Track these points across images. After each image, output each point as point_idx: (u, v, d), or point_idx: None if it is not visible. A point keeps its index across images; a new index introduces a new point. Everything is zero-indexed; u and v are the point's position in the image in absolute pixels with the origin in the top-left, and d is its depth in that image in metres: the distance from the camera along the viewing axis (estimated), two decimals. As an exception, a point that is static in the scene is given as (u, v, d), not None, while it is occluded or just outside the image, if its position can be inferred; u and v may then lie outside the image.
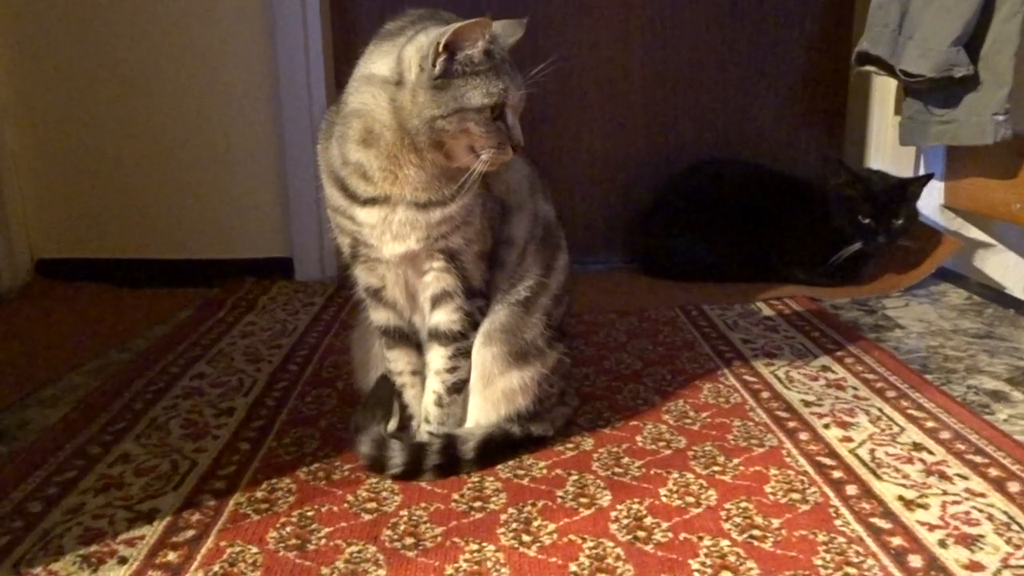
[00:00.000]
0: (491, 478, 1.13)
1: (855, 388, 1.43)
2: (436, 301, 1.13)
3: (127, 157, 2.18)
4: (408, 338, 1.18)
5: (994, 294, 2.00)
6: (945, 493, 1.08)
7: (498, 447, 1.17)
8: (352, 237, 1.13)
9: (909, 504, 1.05)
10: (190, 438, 1.27)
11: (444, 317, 1.13)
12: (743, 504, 1.06)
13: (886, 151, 2.24)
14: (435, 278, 1.12)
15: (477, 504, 1.07)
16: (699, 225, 2.13)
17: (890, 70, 1.95)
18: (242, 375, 1.52)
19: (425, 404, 1.17)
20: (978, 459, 1.16)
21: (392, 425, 1.20)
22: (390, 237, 1.09)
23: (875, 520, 1.01)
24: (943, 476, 1.12)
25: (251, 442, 1.25)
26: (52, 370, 1.58)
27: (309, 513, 1.05)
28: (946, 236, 2.11)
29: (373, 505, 1.07)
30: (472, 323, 1.13)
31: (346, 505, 1.07)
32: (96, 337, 1.78)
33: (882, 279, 2.08)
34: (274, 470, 1.16)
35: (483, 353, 1.14)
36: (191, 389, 1.46)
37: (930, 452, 1.19)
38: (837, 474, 1.13)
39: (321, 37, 2.11)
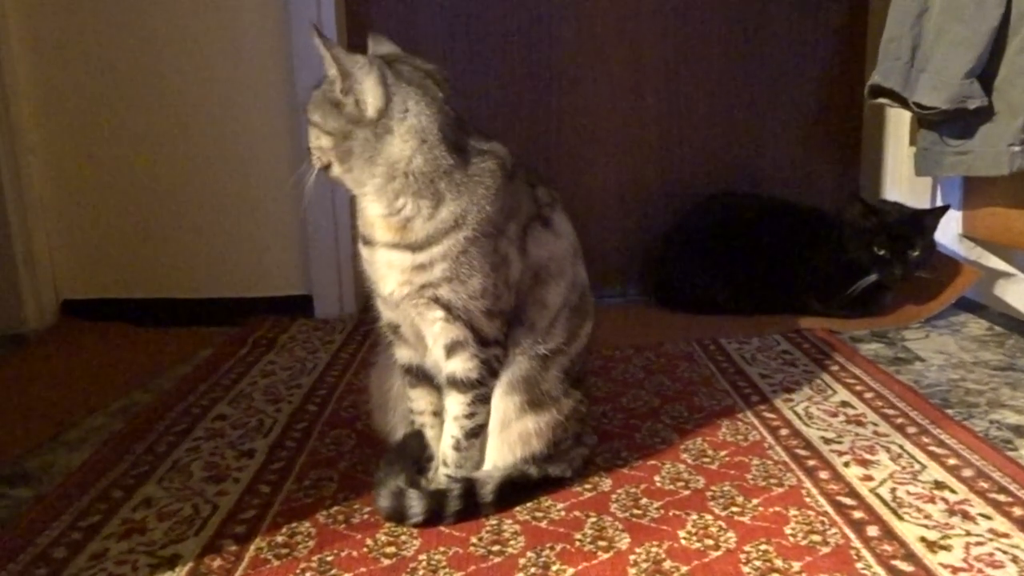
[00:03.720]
0: (509, 520, 1.14)
1: (875, 424, 1.42)
2: (450, 350, 1.13)
3: (150, 198, 2.22)
4: (430, 378, 1.19)
5: (1015, 324, 1.99)
6: (968, 534, 1.07)
7: (516, 489, 1.17)
8: (364, 269, 1.16)
9: (932, 545, 1.04)
10: (211, 481, 1.28)
11: (460, 365, 1.13)
12: (763, 546, 1.05)
13: (902, 182, 2.24)
14: (442, 329, 1.12)
15: (495, 548, 1.07)
16: (715, 258, 2.13)
17: (903, 102, 1.96)
18: (263, 416, 1.54)
19: (443, 448, 1.18)
20: (1001, 498, 1.15)
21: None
22: (379, 276, 1.12)
23: (897, 563, 1.01)
24: (966, 516, 1.11)
25: (271, 485, 1.26)
26: (77, 411, 1.60)
27: (328, 558, 1.06)
28: (965, 266, 2.10)
29: (392, 550, 1.07)
30: (490, 370, 1.14)
31: (365, 549, 1.07)
32: (120, 377, 1.80)
33: (901, 310, 2.07)
34: (294, 514, 1.17)
35: (506, 401, 1.15)
36: (213, 431, 1.47)
37: (952, 491, 1.18)
38: (858, 514, 1.12)
39: (339, 79, 2.15)
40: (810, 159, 2.41)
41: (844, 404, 1.51)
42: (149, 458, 1.37)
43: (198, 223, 2.23)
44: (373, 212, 1.09)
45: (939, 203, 2.22)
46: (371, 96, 1.03)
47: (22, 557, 1.08)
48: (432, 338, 1.14)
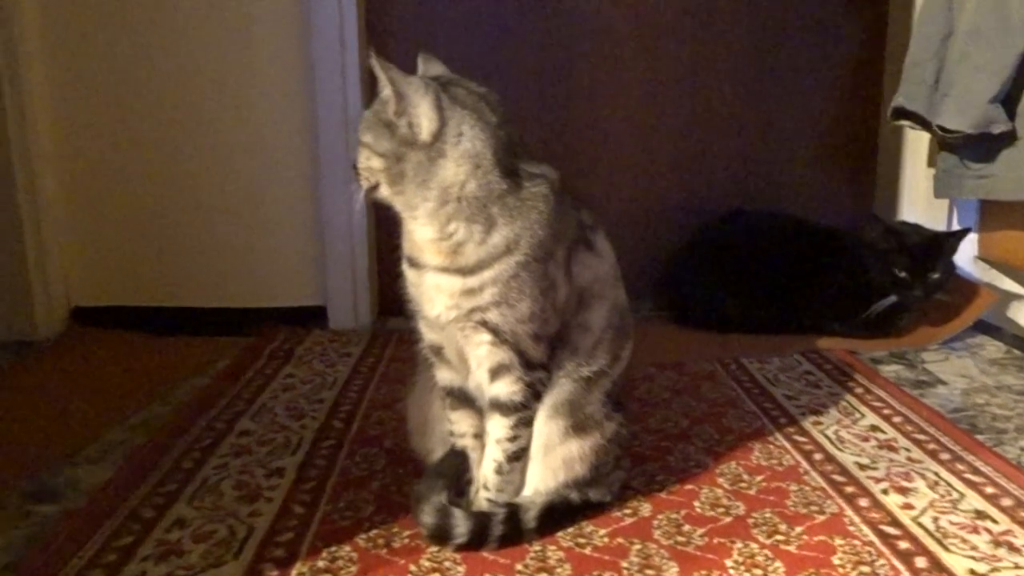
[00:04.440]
0: (552, 547, 1.12)
1: (907, 450, 1.42)
2: (495, 373, 1.12)
3: (163, 205, 2.19)
4: (471, 401, 1.17)
5: (1032, 347, 2.00)
6: (1017, 567, 1.06)
7: (558, 515, 1.16)
8: (409, 290, 1.14)
9: (982, 579, 1.04)
10: (244, 501, 1.26)
11: (505, 389, 1.12)
12: (812, 578, 1.04)
13: (919, 203, 2.25)
14: (489, 352, 1.11)
15: (543, 575, 1.06)
16: (733, 276, 2.13)
17: (926, 125, 1.97)
18: (288, 432, 1.52)
19: (484, 472, 1.17)
20: (1044, 529, 1.15)
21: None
22: (426, 299, 1.11)
23: (950, 596, 1.00)
24: (1011, 547, 1.11)
25: (305, 506, 1.24)
26: (95, 424, 1.57)
27: (373, 584, 1.04)
28: (983, 288, 2.11)
29: (438, 576, 1.06)
30: (534, 393, 1.12)
31: (410, 575, 1.06)
32: (136, 388, 1.78)
33: (918, 331, 2.07)
34: (332, 537, 1.15)
35: (550, 425, 1.13)
36: (239, 447, 1.45)
37: (994, 520, 1.18)
38: (904, 545, 1.12)
39: (360, 86, 2.14)
40: (826, 178, 2.41)
41: (874, 428, 1.51)
42: (177, 475, 1.34)
43: (212, 231, 2.21)
44: (423, 236, 1.07)
45: (955, 224, 2.23)
46: (426, 119, 1.02)
47: (57, 580, 1.05)
48: (476, 361, 1.13)
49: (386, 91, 1.04)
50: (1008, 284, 2.20)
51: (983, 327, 2.13)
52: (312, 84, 2.11)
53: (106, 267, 2.22)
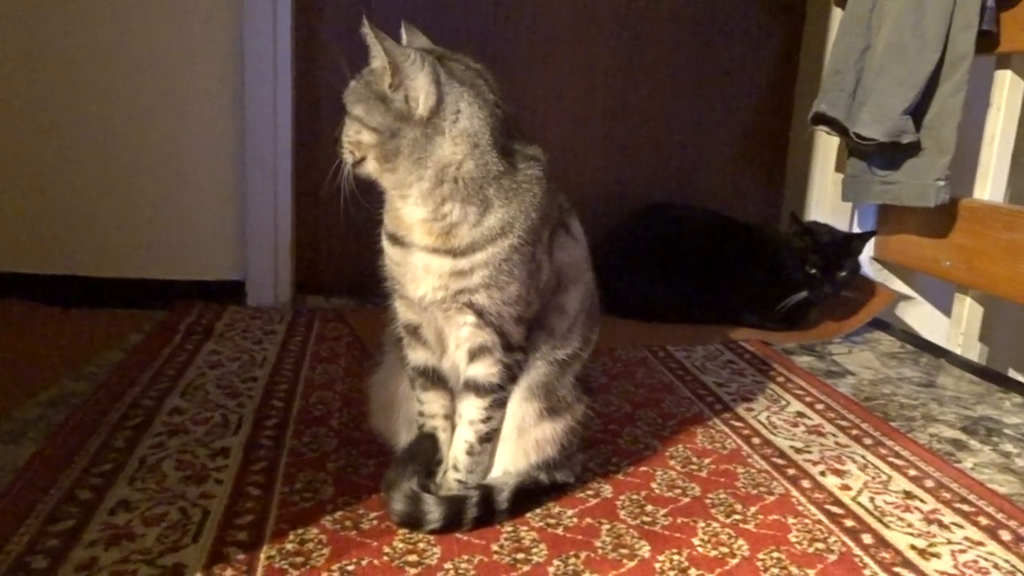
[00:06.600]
0: (524, 527, 1.12)
1: (834, 435, 1.51)
2: (474, 355, 1.11)
3: (62, 162, 2.03)
4: (444, 381, 1.15)
5: (920, 341, 2.17)
6: (949, 542, 1.16)
7: (528, 496, 1.16)
8: (391, 269, 1.11)
9: (923, 553, 1.12)
10: (191, 482, 1.19)
11: (483, 370, 1.11)
12: (775, 554, 1.10)
13: (825, 204, 2.39)
14: (471, 334, 1.09)
15: (520, 556, 1.06)
16: (658, 266, 2.19)
17: (843, 131, 2.09)
18: (224, 411, 1.44)
19: (454, 452, 1.15)
20: (965, 508, 1.25)
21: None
22: (410, 279, 1.08)
23: (899, 570, 1.08)
24: (941, 525, 1.20)
25: (260, 487, 1.19)
26: (2, 399, 1.44)
27: (349, 567, 1.01)
28: (880, 287, 2.27)
29: (414, 558, 1.04)
30: (510, 375, 1.12)
31: (385, 558, 1.03)
32: (42, 362, 1.64)
33: (823, 325, 2.21)
34: (296, 519, 1.11)
35: (524, 407, 1.13)
36: (173, 426, 1.37)
37: (922, 500, 1.27)
38: (849, 523, 1.19)
39: (291, 53, 2.05)
40: (740, 176, 2.52)
41: (800, 415, 1.60)
42: (110, 455, 1.25)
43: (119, 194, 2.06)
44: (414, 216, 1.04)
45: (856, 226, 2.39)
46: (423, 94, 0.99)
47: (-7, 567, 0.96)
48: (456, 342, 1.11)
49: (377, 62, 1.00)
50: (897, 284, 2.38)
51: (876, 323, 2.29)
52: (240, 49, 2.01)
53: (-4, 229, 2.03)
